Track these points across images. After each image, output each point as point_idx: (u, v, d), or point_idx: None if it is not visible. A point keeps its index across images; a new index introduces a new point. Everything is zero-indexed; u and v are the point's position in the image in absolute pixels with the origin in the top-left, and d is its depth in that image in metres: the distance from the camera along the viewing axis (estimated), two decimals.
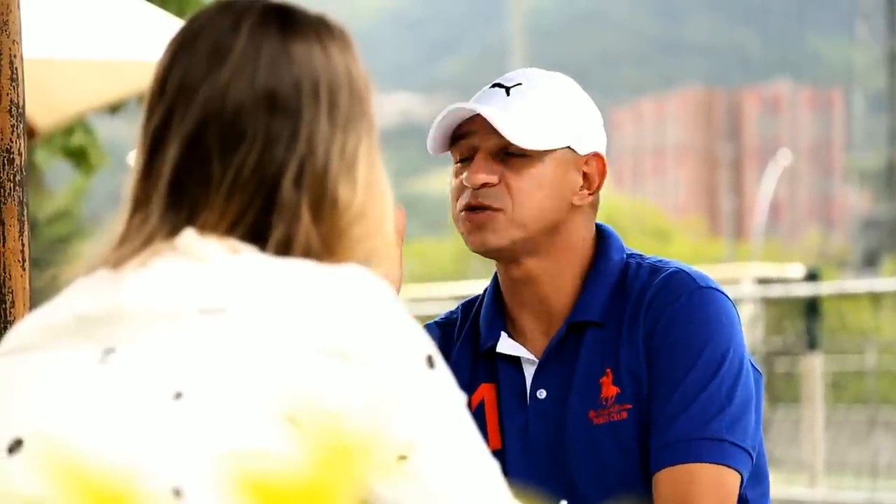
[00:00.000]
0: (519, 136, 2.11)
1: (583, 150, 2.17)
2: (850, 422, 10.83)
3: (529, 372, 2.19)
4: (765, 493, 2.20)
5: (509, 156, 2.13)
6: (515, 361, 2.20)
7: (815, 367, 9.66)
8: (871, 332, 11.45)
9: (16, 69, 2.22)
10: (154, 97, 1.38)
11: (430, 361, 1.31)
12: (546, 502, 2.08)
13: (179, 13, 5.95)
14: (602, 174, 2.19)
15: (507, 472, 1.68)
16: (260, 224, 1.35)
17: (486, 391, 2.21)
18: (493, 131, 2.12)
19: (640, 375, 2.11)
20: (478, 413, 2.19)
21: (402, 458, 1.28)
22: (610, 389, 2.12)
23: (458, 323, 2.29)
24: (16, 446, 1.29)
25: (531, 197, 2.13)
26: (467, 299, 2.32)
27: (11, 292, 2.20)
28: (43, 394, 1.31)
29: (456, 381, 1.34)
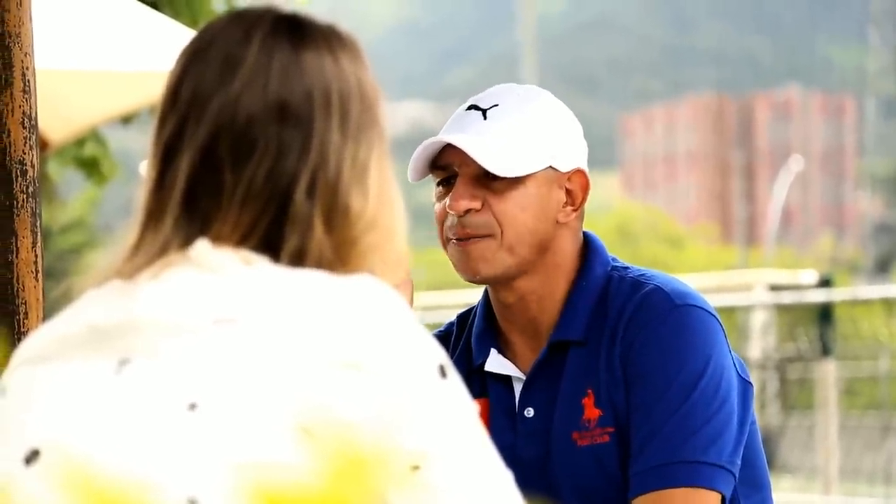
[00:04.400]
0: (498, 164, 2.08)
1: (564, 167, 2.14)
2: (863, 428, 10.82)
3: (519, 389, 2.18)
4: (764, 500, 2.19)
5: (491, 180, 2.10)
6: (505, 379, 2.19)
7: (828, 373, 9.65)
8: (884, 338, 11.44)
9: (28, 81, 2.22)
10: (166, 108, 1.39)
11: (443, 371, 1.31)
12: None
13: (192, 23, 5.95)
14: (585, 189, 2.16)
15: None
16: (272, 234, 1.35)
17: (478, 406, 2.19)
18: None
19: (619, 400, 2.09)
20: None
21: (415, 468, 1.28)
22: (593, 412, 2.10)
23: (454, 336, 2.28)
24: (33, 457, 1.29)
25: (517, 220, 2.10)
26: (463, 311, 2.31)
27: (25, 303, 2.20)
28: (59, 405, 1.31)
29: None
